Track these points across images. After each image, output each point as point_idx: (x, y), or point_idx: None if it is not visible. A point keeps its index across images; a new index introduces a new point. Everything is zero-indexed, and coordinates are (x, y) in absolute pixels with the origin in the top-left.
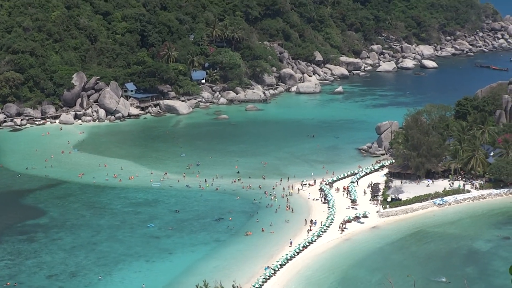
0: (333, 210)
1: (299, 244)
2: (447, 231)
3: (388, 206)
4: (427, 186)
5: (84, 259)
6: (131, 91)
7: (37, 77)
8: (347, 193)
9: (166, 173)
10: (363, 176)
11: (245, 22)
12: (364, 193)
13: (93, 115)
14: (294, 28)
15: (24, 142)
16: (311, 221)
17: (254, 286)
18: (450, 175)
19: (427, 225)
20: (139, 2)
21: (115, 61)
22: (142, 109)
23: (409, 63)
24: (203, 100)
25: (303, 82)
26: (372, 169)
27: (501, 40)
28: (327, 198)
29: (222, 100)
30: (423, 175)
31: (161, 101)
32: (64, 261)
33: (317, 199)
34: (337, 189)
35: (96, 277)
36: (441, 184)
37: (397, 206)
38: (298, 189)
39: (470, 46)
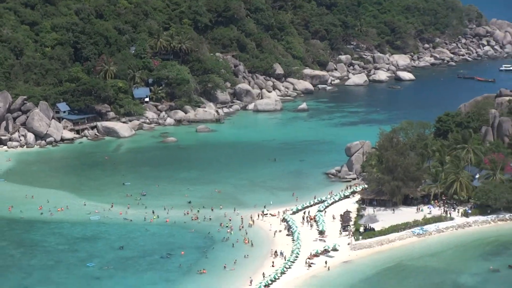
0: (298, 243)
1: (260, 283)
2: (429, 264)
3: (360, 237)
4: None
5: None
6: (64, 112)
7: None
8: (311, 224)
9: (112, 205)
10: (332, 203)
11: (194, 31)
12: (333, 218)
13: (21, 140)
14: (251, 37)
15: None
16: (275, 252)
17: None
18: (431, 201)
19: (405, 258)
20: (71, 9)
21: (45, 78)
22: (77, 132)
23: (382, 75)
24: (147, 121)
25: (261, 98)
26: (342, 196)
27: (487, 47)
28: (291, 229)
29: (169, 120)
30: (400, 201)
31: (98, 123)
32: None
33: (279, 231)
34: (303, 219)
35: None
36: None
37: (371, 237)
38: (253, 220)
39: (452, 55)
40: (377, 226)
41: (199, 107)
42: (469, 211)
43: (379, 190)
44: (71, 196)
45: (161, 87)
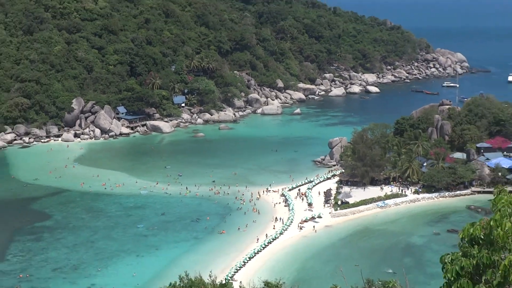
0: (292, 212)
1: (264, 241)
2: (388, 228)
3: (338, 208)
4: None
5: (84, 254)
6: (122, 113)
7: (42, 102)
8: (302, 198)
9: (157, 183)
10: (318, 183)
11: (218, 55)
12: (319, 194)
13: (90, 134)
14: (259, 59)
15: (31, 157)
16: (276, 218)
17: (227, 276)
18: (391, 182)
19: (371, 223)
20: (128, 38)
21: (108, 88)
22: (132, 128)
23: (356, 88)
24: (183, 120)
25: (267, 105)
26: (325, 178)
27: (433, 69)
28: (287, 202)
29: (199, 120)
30: (368, 182)
31: (147, 122)
32: (67, 256)
33: (279, 203)
34: (297, 194)
35: (95, 270)
36: (391, 190)
37: (346, 208)
38: (260, 195)
39: (407, 74)
40: (351, 200)
41: (221, 111)
42: (419, 190)
43: (352, 173)
44: (127, 176)
45: (193, 96)
